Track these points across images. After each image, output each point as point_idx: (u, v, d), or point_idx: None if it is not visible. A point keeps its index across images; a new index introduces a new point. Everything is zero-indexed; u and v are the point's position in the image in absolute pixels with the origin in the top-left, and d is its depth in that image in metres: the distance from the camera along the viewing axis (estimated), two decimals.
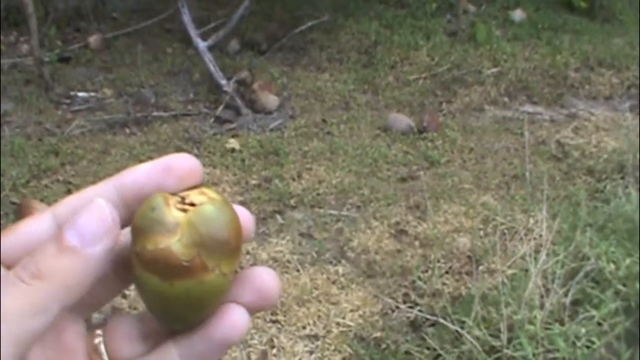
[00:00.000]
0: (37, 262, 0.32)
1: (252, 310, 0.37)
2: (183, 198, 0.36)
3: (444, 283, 2.71)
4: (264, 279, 0.37)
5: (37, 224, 0.36)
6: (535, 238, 2.63)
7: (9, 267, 0.34)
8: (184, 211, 0.35)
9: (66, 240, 0.33)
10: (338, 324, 2.55)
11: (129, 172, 0.37)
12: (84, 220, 0.33)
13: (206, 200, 0.36)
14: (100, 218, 0.34)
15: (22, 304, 0.32)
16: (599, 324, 2.18)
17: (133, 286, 0.38)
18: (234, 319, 0.37)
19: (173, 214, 0.35)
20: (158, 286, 0.35)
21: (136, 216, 0.35)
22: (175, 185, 0.36)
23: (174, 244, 0.34)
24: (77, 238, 0.33)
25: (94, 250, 0.33)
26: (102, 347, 0.38)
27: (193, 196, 0.36)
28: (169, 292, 0.35)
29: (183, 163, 0.37)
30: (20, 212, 2.95)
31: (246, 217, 0.38)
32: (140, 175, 0.36)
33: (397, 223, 3.15)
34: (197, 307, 0.36)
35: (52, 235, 0.35)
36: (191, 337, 0.37)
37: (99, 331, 0.38)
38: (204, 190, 0.37)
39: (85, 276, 0.33)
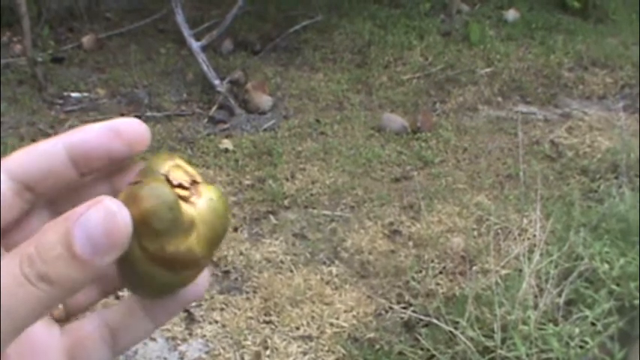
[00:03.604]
0: (46, 264, 0.31)
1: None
2: (181, 185, 0.35)
3: (437, 284, 2.71)
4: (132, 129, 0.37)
5: None
6: (529, 238, 2.63)
7: None
8: (187, 200, 0.35)
9: (77, 247, 0.31)
10: (332, 324, 2.55)
11: (78, 132, 0.36)
12: (97, 228, 0.31)
13: (210, 192, 0.36)
14: (115, 230, 0.32)
15: (25, 306, 0.31)
16: (593, 324, 2.18)
17: None
18: (201, 280, 0.38)
19: (186, 211, 0.34)
20: (165, 276, 0.35)
21: (146, 213, 0.33)
22: (123, 150, 0.36)
23: (194, 244, 0.34)
24: (89, 249, 0.31)
25: (103, 261, 0.32)
26: None
27: (177, 174, 0.35)
28: (174, 280, 0.35)
29: (131, 128, 0.36)
30: None
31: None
32: (89, 137, 0.36)
33: (391, 224, 3.14)
34: (187, 284, 0.37)
35: (11, 192, 0.35)
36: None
37: None
38: (181, 164, 0.36)
39: (87, 283, 0.33)
